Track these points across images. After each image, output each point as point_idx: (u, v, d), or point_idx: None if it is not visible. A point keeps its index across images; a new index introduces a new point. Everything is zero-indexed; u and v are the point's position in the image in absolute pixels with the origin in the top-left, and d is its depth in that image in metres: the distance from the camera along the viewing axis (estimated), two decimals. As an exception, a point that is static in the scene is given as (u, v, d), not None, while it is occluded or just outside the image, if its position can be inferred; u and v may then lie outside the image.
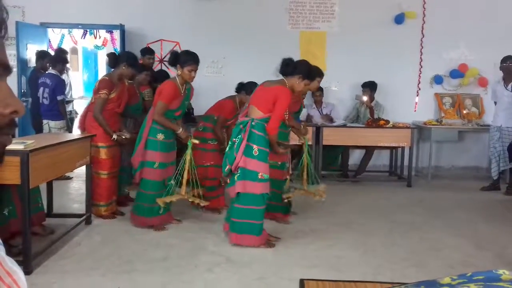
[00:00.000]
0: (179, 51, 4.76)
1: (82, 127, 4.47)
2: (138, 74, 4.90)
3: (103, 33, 8.63)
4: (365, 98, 6.55)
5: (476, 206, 5.27)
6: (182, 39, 6.83)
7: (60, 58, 5.95)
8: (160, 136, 4.08)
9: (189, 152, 4.09)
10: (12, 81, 5.90)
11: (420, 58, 7.07)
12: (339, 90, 7.10)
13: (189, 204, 4.29)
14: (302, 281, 3.06)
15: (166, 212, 4.21)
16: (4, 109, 0.67)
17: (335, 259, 3.53)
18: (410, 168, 6.35)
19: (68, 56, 6.97)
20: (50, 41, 7.61)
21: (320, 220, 4.51)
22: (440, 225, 4.49)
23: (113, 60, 4.42)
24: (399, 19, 6.93)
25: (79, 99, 7.85)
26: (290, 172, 4.59)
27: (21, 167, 2.98)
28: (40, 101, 5.69)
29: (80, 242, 3.79)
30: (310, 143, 5.43)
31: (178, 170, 4.11)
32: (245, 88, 4.69)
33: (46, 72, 5.84)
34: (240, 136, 3.67)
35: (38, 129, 5.89)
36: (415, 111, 7.16)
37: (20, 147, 3.03)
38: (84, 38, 8.54)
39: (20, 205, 3.24)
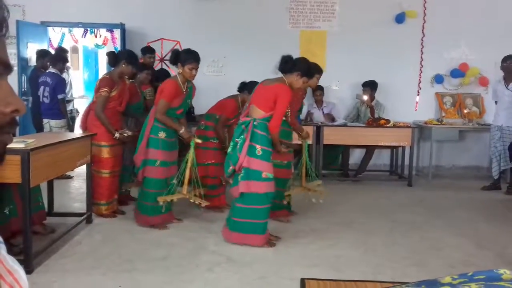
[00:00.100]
0: (180, 50, 4.76)
1: (84, 126, 4.46)
2: (138, 72, 4.91)
3: (103, 32, 8.62)
4: (365, 98, 6.55)
5: (476, 206, 5.27)
6: (182, 38, 6.82)
7: (60, 57, 5.95)
8: (162, 134, 4.09)
9: (191, 152, 4.09)
10: (12, 80, 5.90)
11: (421, 57, 7.06)
12: (340, 90, 7.10)
13: (190, 203, 4.29)
14: (303, 281, 3.06)
15: (168, 212, 4.22)
16: (5, 107, 0.66)
17: (336, 258, 3.53)
18: (411, 168, 6.35)
19: (69, 55, 6.97)
20: (50, 40, 7.60)
21: (320, 220, 4.51)
22: (440, 224, 4.49)
23: (113, 58, 4.43)
24: (399, 18, 6.92)
25: (80, 98, 7.84)
26: (292, 171, 4.62)
27: (21, 166, 2.99)
28: (41, 100, 5.69)
29: (81, 241, 3.80)
30: (310, 142, 5.44)
31: (180, 170, 4.11)
32: (247, 87, 4.70)
33: (47, 71, 5.84)
34: (242, 136, 3.68)
35: (39, 128, 5.89)
36: (415, 110, 7.15)
37: (20, 146, 3.03)
38: (84, 37, 8.53)
39: (21, 204, 3.24)
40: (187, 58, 4.01)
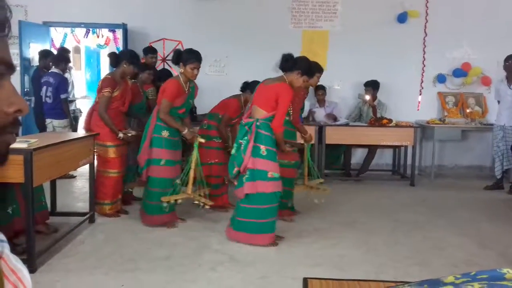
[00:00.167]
0: (182, 50, 4.77)
1: (88, 127, 4.46)
2: (140, 72, 4.92)
3: (105, 32, 8.66)
4: (367, 97, 6.55)
5: (479, 205, 5.26)
6: (184, 38, 6.82)
7: (62, 57, 5.96)
8: (165, 133, 4.09)
9: (195, 153, 4.09)
10: (15, 80, 5.90)
11: (423, 57, 7.05)
12: (342, 89, 7.09)
13: (194, 203, 4.28)
14: (305, 280, 3.06)
15: (171, 211, 4.21)
16: (8, 107, 0.67)
17: (338, 257, 3.53)
18: (413, 167, 6.34)
19: (71, 55, 6.98)
20: (52, 40, 7.63)
21: (323, 219, 4.50)
22: (443, 224, 4.48)
23: (114, 59, 4.45)
24: (402, 18, 6.91)
25: (82, 98, 7.86)
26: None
27: (24, 166, 2.99)
28: (43, 100, 5.70)
29: (84, 240, 3.81)
30: (312, 142, 5.44)
31: (185, 170, 4.11)
32: (250, 87, 4.70)
33: (49, 71, 5.86)
34: (246, 137, 3.68)
35: (42, 128, 5.90)
36: (418, 110, 7.14)
37: (23, 145, 3.04)
38: (86, 37, 8.55)
39: (24, 204, 3.25)
40: (188, 57, 4.03)
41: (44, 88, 5.67)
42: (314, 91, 6.55)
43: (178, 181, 4.12)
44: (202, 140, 4.12)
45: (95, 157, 4.41)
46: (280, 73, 3.89)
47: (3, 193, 3.39)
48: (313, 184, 4.60)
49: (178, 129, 4.09)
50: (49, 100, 5.66)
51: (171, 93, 4.02)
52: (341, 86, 7.09)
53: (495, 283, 1.21)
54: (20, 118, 0.70)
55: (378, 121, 6.24)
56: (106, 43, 9.04)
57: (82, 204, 4.87)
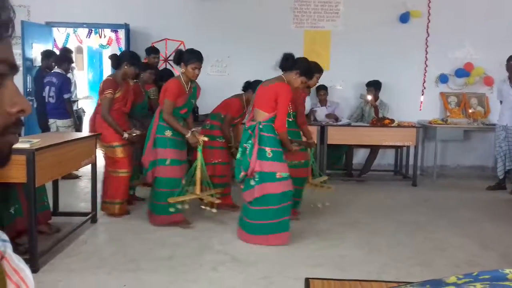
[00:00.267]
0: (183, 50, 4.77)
1: (92, 129, 4.46)
2: (141, 72, 4.92)
3: (108, 32, 8.66)
4: (369, 97, 6.54)
5: (481, 206, 5.25)
6: (187, 38, 6.83)
7: (65, 58, 5.97)
8: (168, 133, 4.10)
9: (199, 157, 4.08)
10: (17, 80, 5.92)
11: (425, 57, 7.04)
12: (344, 89, 7.09)
13: (200, 204, 4.25)
14: (307, 280, 3.06)
15: (178, 212, 4.19)
16: (11, 108, 0.67)
17: (340, 258, 3.53)
18: (415, 167, 6.33)
19: (73, 56, 6.99)
20: (55, 40, 7.64)
21: (325, 220, 4.50)
22: (445, 224, 4.47)
23: (115, 60, 4.47)
24: (404, 18, 6.90)
25: (84, 98, 7.87)
26: None
27: (27, 166, 3.00)
28: (46, 100, 5.71)
29: (86, 240, 3.81)
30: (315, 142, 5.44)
31: (190, 172, 4.11)
32: (251, 86, 4.70)
33: (52, 71, 5.87)
34: (250, 141, 3.68)
35: (44, 128, 5.91)
36: (420, 110, 7.13)
37: (26, 145, 3.05)
38: (89, 37, 8.57)
39: (26, 204, 3.26)
40: (190, 57, 4.04)
41: (47, 88, 5.68)
42: (316, 91, 6.55)
43: (183, 181, 4.11)
44: (205, 139, 4.12)
45: (104, 158, 4.43)
46: (280, 72, 3.89)
47: (6, 193, 3.40)
48: (317, 182, 4.62)
49: (181, 132, 4.08)
50: (52, 100, 5.67)
51: (172, 93, 4.03)
52: (343, 86, 7.08)
53: (497, 284, 1.21)
54: (22, 118, 0.70)
55: (380, 121, 6.24)
56: (108, 43, 9.04)
57: (84, 204, 4.87)
